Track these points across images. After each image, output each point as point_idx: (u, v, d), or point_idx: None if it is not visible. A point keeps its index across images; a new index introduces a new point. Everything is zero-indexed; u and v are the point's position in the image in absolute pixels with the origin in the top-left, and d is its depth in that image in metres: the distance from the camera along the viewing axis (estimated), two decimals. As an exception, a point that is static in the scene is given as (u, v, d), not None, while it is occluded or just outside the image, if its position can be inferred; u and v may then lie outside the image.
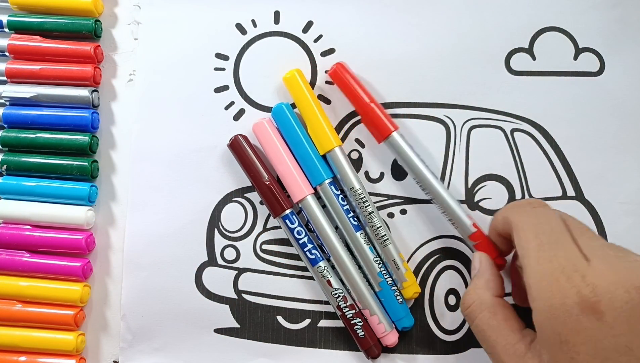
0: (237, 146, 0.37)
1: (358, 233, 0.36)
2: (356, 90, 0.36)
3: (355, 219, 0.36)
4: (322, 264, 0.36)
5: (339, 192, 0.36)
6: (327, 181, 0.36)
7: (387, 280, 0.36)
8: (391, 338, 0.36)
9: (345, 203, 0.36)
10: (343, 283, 0.36)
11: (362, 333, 0.36)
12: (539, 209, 0.31)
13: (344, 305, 0.36)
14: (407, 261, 0.37)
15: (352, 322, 0.36)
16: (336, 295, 0.36)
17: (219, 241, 0.38)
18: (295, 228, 0.36)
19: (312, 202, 0.36)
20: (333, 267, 0.36)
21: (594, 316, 0.25)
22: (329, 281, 0.36)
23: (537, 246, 0.28)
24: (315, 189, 0.37)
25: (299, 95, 0.37)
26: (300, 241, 0.36)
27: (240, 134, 0.37)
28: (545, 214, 0.30)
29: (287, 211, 0.36)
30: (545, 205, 0.32)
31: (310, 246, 0.36)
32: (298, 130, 0.36)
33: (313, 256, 0.36)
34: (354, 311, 0.36)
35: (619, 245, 0.28)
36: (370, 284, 0.36)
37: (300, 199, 0.36)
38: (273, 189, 0.36)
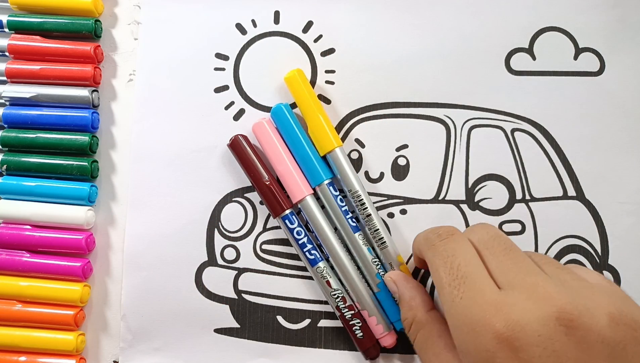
0: (237, 146, 0.37)
1: (356, 234, 0.36)
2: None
3: (353, 220, 0.36)
4: (321, 264, 0.36)
5: (337, 193, 0.36)
6: (326, 181, 0.36)
7: None
8: (389, 339, 0.36)
9: (344, 203, 0.36)
10: (342, 284, 0.36)
11: (361, 334, 0.36)
12: (447, 240, 0.29)
13: (343, 305, 0.36)
14: (408, 261, 0.37)
15: (350, 323, 0.36)
16: (335, 296, 0.36)
17: (219, 241, 0.38)
18: (295, 228, 0.36)
19: (311, 202, 0.36)
20: (332, 268, 0.36)
21: (510, 353, 0.23)
22: (328, 282, 0.36)
23: (449, 284, 0.26)
24: (314, 189, 0.37)
25: (300, 95, 0.37)
26: (300, 242, 0.36)
27: (240, 134, 0.37)
28: (455, 246, 0.28)
29: (287, 212, 0.36)
30: (455, 232, 0.29)
31: (309, 246, 0.36)
32: (297, 130, 0.36)
33: (312, 257, 0.36)
34: (352, 312, 0.36)
35: (574, 264, 0.27)
36: (369, 285, 0.36)
37: (300, 200, 0.36)
38: (273, 189, 0.36)
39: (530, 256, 0.28)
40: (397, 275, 0.34)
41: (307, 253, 0.36)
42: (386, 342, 0.36)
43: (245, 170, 0.37)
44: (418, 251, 0.32)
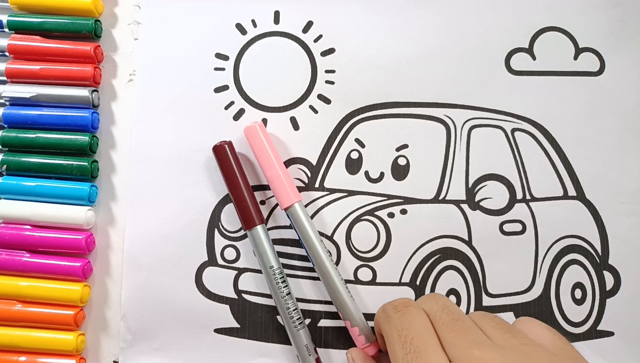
0: (216, 154, 0.36)
1: None
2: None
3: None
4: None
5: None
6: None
7: None
8: (371, 350, 0.35)
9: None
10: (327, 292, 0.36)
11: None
12: (402, 312, 0.30)
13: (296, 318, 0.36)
14: (408, 262, 0.37)
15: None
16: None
17: (219, 241, 0.38)
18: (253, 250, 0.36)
19: (299, 210, 0.36)
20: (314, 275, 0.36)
21: None
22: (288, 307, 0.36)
23: (403, 358, 0.27)
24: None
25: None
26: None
27: (223, 142, 0.36)
28: (409, 318, 0.29)
29: (254, 228, 0.36)
30: (410, 304, 0.30)
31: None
32: None
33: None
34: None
35: (514, 325, 0.28)
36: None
37: (288, 206, 0.36)
38: (241, 205, 0.36)
39: (478, 322, 0.29)
40: (357, 351, 0.35)
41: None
42: (368, 353, 0.35)
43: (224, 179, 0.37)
44: (377, 325, 0.32)
